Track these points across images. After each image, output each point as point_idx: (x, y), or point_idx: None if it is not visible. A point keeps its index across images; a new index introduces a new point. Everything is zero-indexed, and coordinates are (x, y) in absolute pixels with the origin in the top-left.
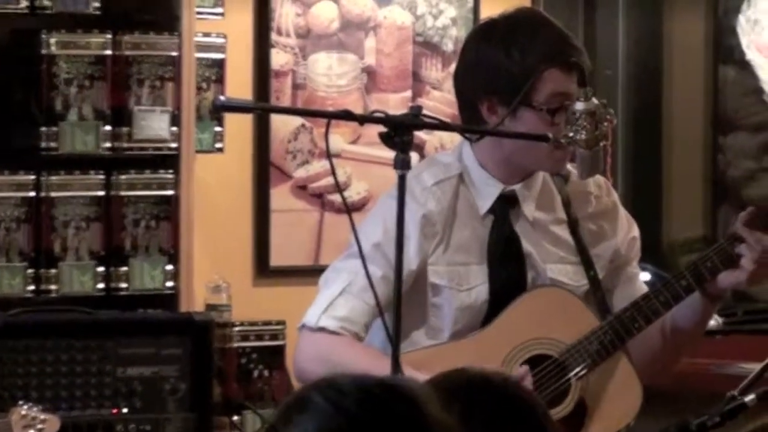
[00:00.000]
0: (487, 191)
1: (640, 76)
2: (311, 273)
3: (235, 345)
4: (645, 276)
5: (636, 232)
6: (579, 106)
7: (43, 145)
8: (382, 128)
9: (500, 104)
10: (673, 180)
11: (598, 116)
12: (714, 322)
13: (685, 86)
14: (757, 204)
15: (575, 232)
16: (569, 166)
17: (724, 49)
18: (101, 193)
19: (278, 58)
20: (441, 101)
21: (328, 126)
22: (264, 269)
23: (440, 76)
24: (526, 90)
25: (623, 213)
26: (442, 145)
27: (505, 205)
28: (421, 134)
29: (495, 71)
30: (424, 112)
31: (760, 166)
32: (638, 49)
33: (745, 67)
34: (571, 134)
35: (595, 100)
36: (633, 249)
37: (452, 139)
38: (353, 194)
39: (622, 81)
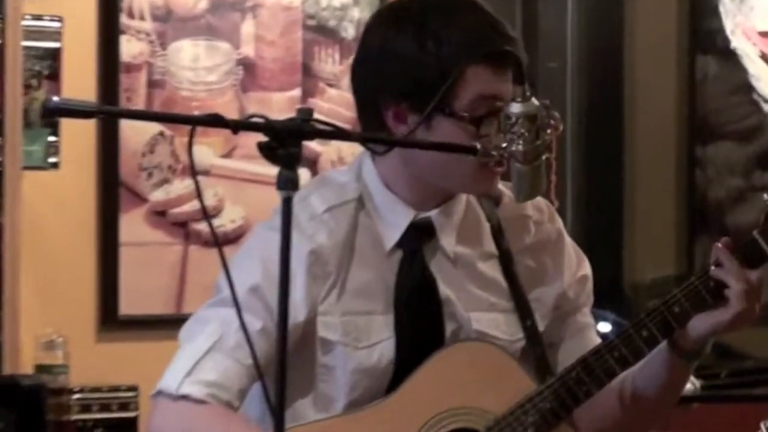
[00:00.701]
0: (394, 219)
1: (594, 69)
2: (171, 324)
3: (74, 417)
4: (604, 327)
5: (587, 269)
6: (514, 108)
7: None
8: (262, 137)
9: (411, 111)
10: (637, 204)
11: (540, 122)
12: (691, 386)
13: (653, 83)
14: (736, 232)
15: (509, 270)
16: (501, 186)
17: (703, 35)
18: None
19: (130, 48)
20: (339, 102)
21: (192, 134)
22: (111, 320)
23: (338, 70)
24: (444, 92)
25: (571, 245)
26: (341, 159)
27: (418, 238)
28: (314, 145)
29: (404, 67)
30: (317, 116)
31: (750, 184)
32: (592, 36)
33: (729, 57)
34: (504, 145)
35: (535, 101)
36: (583, 292)
37: (354, 151)
38: (226, 222)
39: (571, 77)
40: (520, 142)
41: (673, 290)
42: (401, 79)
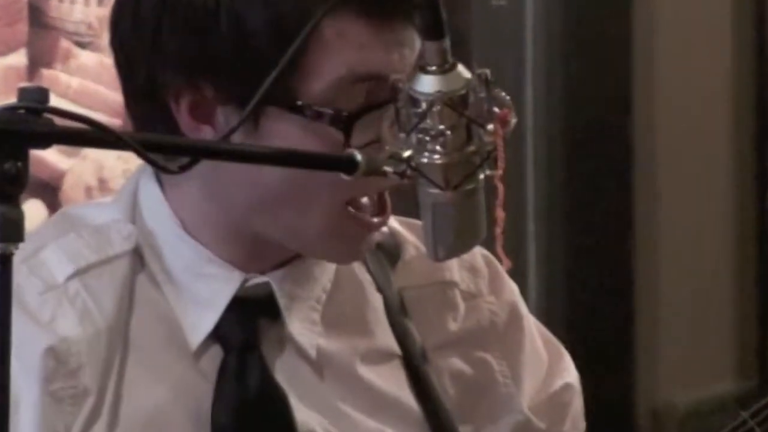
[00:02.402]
0: (204, 291)
1: (573, 10)
2: None
3: None
4: None
5: (571, 375)
6: (425, 85)
7: None
8: None
9: (221, 101)
10: (661, 261)
11: (473, 110)
12: None
13: (688, 41)
14: None
15: (420, 381)
16: (401, 229)
17: None
18: None
19: None
20: (98, 76)
21: None
22: None
23: (94, 16)
24: (285, 68)
25: (537, 335)
26: (104, 183)
27: (250, 323)
28: (52, 157)
29: (209, 22)
30: (57, 101)
31: None
32: None
33: None
34: (407, 154)
35: (464, 72)
36: (565, 413)
37: (127, 167)
38: None
39: (534, 24)
40: (437, 148)
41: (746, 421)
42: (203, 43)
